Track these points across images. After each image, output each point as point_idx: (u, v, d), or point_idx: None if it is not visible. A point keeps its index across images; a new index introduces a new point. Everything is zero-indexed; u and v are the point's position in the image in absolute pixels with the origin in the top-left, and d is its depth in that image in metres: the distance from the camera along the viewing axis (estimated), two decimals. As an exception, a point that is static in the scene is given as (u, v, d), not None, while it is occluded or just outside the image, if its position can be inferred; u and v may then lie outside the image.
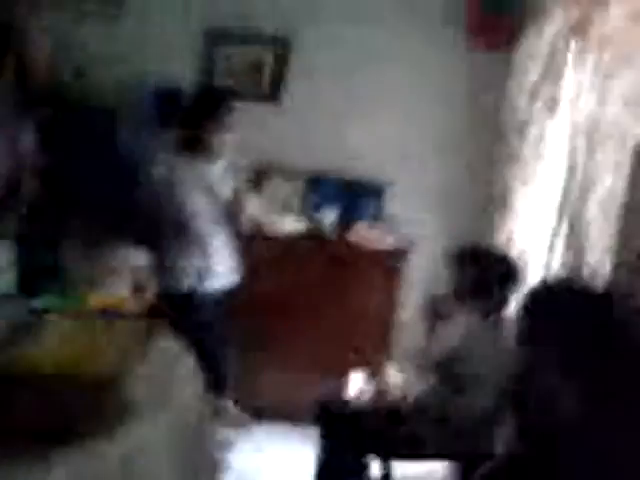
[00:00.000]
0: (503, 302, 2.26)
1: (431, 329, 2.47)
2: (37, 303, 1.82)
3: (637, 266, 1.73)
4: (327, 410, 2.42)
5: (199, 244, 2.58)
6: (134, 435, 1.48)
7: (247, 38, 3.17)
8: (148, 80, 3.07)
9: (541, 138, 2.58)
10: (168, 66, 3.11)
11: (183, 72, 3.14)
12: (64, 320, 1.69)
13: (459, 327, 2.28)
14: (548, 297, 1.62)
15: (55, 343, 1.61)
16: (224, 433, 2.76)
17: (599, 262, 1.95)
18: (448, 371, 2.20)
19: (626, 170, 1.80)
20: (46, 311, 1.72)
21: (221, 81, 3.20)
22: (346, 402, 2.38)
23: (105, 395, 1.46)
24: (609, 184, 1.93)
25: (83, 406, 1.42)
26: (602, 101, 2.00)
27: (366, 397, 2.37)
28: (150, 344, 1.71)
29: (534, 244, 2.83)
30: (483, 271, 2.26)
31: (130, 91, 3.07)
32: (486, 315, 2.25)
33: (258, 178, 3.16)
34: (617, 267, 1.83)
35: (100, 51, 3.04)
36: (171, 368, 1.79)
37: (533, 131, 2.63)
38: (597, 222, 2.00)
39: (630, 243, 1.78)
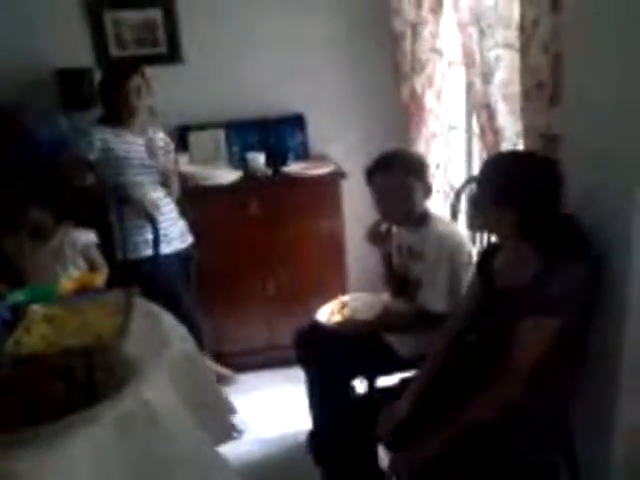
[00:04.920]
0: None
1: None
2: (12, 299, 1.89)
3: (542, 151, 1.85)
4: (306, 336, 2.49)
5: (147, 212, 2.65)
6: (139, 391, 1.56)
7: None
8: (45, 64, 3.02)
9: (435, 35, 2.73)
10: (58, 45, 3.05)
11: (77, 47, 3.08)
12: (45, 308, 1.77)
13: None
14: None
15: (44, 328, 1.71)
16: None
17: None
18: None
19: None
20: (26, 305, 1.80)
21: (115, 50, 3.14)
22: (322, 327, 2.43)
23: (103, 359, 1.56)
24: (505, 67, 2.06)
25: (85, 372, 1.52)
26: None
27: (337, 324, 2.43)
28: (132, 308, 1.81)
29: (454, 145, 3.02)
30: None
31: (30, 79, 3.02)
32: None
33: (180, 136, 3.20)
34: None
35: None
36: (157, 324, 1.91)
37: (424, 32, 2.76)
38: (502, 109, 2.10)
39: (532, 124, 1.89)
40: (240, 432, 2.53)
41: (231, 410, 2.07)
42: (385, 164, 2.21)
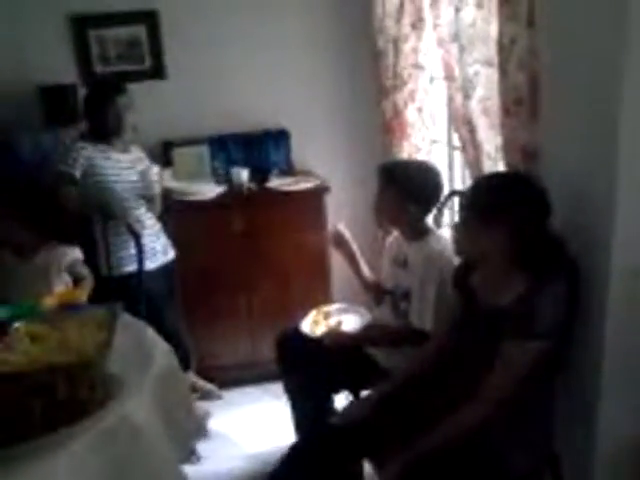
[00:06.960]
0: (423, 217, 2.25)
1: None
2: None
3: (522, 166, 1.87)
4: (288, 339, 2.48)
5: (131, 228, 2.63)
6: (122, 407, 1.57)
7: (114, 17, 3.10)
8: (28, 80, 3.02)
9: (416, 50, 2.76)
10: (42, 61, 3.06)
11: (60, 64, 3.09)
12: (29, 324, 1.76)
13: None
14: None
15: (27, 345, 1.69)
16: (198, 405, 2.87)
17: (493, 165, 2.10)
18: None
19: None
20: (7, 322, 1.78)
21: (99, 66, 3.15)
22: (305, 336, 2.41)
23: (86, 375, 1.54)
24: (484, 83, 2.08)
25: (67, 389, 1.50)
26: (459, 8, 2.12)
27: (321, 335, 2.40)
28: (115, 324, 1.80)
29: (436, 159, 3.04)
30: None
31: (14, 96, 3.02)
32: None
33: (164, 151, 3.21)
34: (508, 166, 1.96)
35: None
36: (140, 340, 1.91)
37: (405, 47, 2.79)
38: (482, 124, 2.11)
39: (512, 140, 1.90)
40: (199, 459, 2.51)
41: (199, 431, 2.06)
42: (387, 176, 2.24)
